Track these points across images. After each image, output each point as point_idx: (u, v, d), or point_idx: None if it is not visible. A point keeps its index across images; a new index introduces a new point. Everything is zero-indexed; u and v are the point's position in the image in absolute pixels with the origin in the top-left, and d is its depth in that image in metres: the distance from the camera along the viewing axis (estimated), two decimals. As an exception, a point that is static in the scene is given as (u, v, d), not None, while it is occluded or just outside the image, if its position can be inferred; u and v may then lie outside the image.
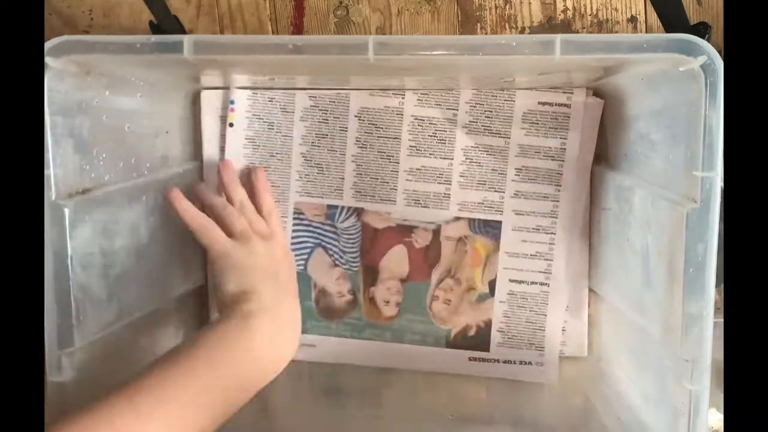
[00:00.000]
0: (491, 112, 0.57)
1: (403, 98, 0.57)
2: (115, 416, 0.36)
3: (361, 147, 0.58)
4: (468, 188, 0.57)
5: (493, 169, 0.57)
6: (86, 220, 0.43)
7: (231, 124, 0.57)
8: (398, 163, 0.57)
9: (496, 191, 0.57)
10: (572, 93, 0.56)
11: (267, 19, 0.58)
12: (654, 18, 0.56)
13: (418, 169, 0.58)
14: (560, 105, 0.56)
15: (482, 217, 0.58)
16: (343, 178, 0.58)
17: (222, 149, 0.58)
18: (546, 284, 0.58)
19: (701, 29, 0.45)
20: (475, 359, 0.59)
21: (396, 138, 0.57)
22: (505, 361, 0.58)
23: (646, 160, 0.47)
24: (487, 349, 0.59)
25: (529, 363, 0.58)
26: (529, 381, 0.58)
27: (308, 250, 0.59)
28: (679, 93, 0.41)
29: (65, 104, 0.42)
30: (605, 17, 0.57)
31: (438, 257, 0.58)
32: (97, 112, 0.45)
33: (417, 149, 0.57)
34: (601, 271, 0.56)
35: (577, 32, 0.57)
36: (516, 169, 0.57)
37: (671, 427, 0.41)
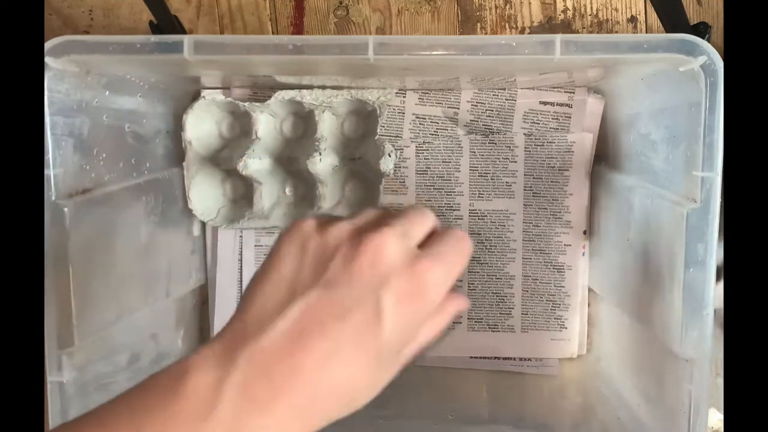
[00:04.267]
0: (492, 111, 0.57)
1: (404, 97, 0.57)
2: None
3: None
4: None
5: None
6: (86, 220, 0.43)
7: (231, 124, 0.58)
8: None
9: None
10: (573, 92, 0.56)
11: (267, 19, 0.58)
12: (654, 18, 0.56)
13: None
14: (561, 104, 0.56)
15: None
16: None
17: (222, 149, 0.58)
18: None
19: (701, 29, 0.45)
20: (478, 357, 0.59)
21: (397, 136, 0.57)
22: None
23: (646, 160, 0.47)
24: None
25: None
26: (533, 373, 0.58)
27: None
28: (679, 93, 0.41)
29: (65, 104, 0.42)
30: (605, 17, 0.57)
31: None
32: (97, 112, 0.45)
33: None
34: (601, 271, 0.56)
35: (577, 32, 0.57)
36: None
37: (671, 427, 0.41)
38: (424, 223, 0.31)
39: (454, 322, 0.57)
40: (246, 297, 0.29)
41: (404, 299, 0.28)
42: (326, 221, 0.30)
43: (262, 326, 0.27)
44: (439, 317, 0.31)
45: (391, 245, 0.28)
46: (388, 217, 0.31)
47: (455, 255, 0.31)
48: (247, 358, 0.26)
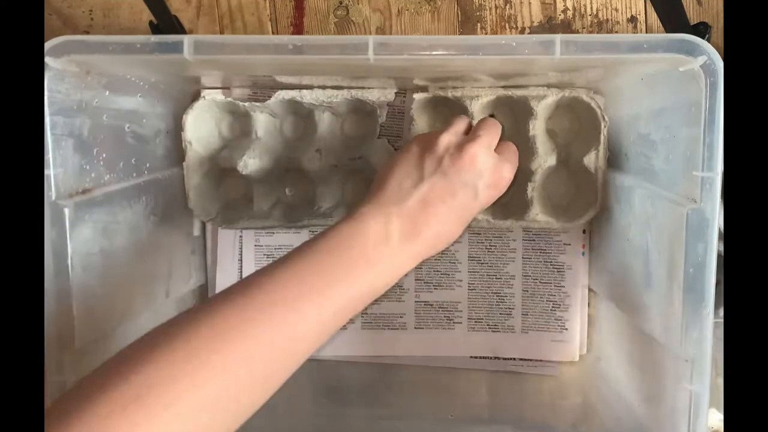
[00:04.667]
0: (492, 111, 0.57)
1: (404, 97, 0.57)
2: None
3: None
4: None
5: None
6: (86, 220, 0.43)
7: (231, 124, 0.58)
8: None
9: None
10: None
11: (267, 19, 0.58)
12: (654, 18, 0.56)
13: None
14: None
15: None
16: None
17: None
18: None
19: (701, 29, 0.45)
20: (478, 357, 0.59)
21: (398, 136, 0.57)
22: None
23: (646, 160, 0.47)
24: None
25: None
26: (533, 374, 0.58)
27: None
28: (679, 93, 0.41)
29: (65, 104, 0.42)
30: (605, 17, 0.57)
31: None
32: (97, 112, 0.45)
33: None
34: (601, 271, 0.56)
35: (577, 32, 0.57)
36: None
37: (671, 427, 0.41)
38: (497, 134, 0.46)
39: (453, 322, 0.58)
40: (383, 179, 0.43)
41: (490, 187, 0.44)
42: (434, 133, 0.45)
43: (404, 195, 0.42)
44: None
45: (482, 153, 0.43)
46: (476, 129, 0.45)
47: (515, 158, 0.47)
48: (398, 213, 0.41)
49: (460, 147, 0.43)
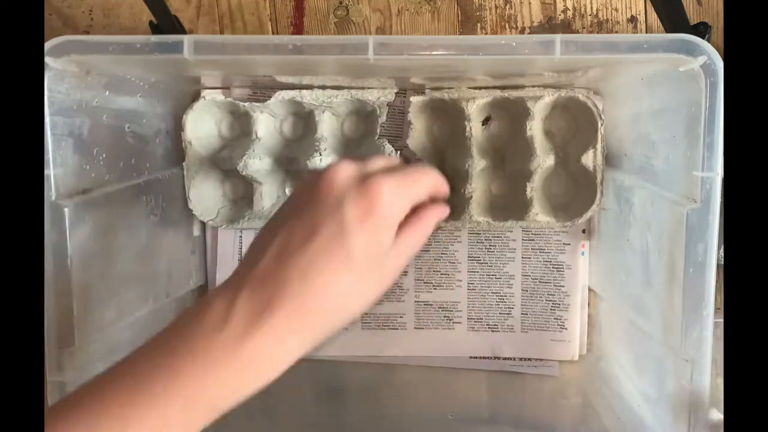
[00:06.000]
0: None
1: (404, 97, 0.57)
2: None
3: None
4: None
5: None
6: (86, 220, 0.43)
7: (231, 124, 0.58)
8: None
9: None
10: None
11: (267, 19, 0.58)
12: (654, 18, 0.56)
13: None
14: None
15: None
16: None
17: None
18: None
19: (701, 29, 0.45)
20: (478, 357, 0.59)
21: (398, 136, 0.57)
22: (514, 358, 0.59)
23: (646, 160, 0.47)
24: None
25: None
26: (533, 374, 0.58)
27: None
28: (679, 93, 0.41)
29: (65, 104, 0.42)
30: (605, 17, 0.57)
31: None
32: (97, 112, 0.45)
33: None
34: (601, 271, 0.56)
35: (577, 32, 0.57)
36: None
37: (671, 427, 0.41)
38: (426, 186, 0.36)
39: (453, 322, 0.58)
40: (250, 247, 0.34)
41: (362, 214, 0.32)
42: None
43: (258, 258, 0.32)
44: (416, 225, 0.35)
45: (341, 170, 0.33)
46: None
47: (413, 173, 0.35)
48: (248, 282, 0.31)
49: (313, 174, 0.34)
